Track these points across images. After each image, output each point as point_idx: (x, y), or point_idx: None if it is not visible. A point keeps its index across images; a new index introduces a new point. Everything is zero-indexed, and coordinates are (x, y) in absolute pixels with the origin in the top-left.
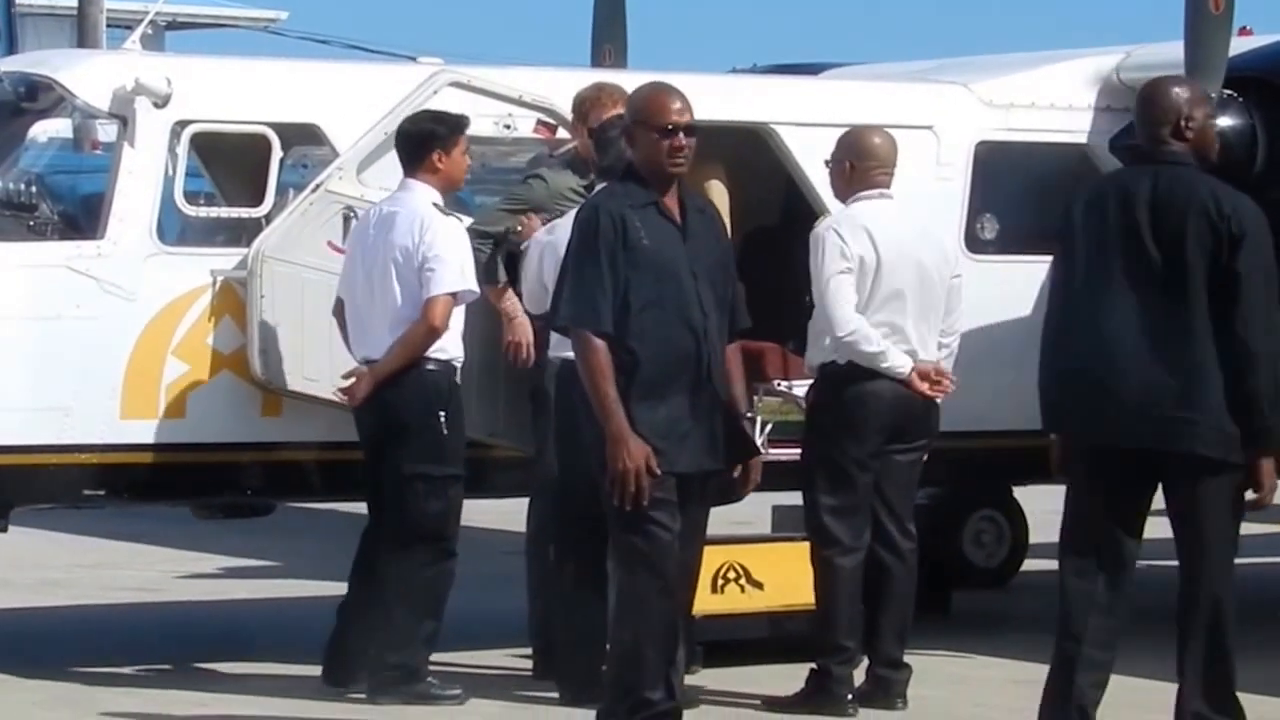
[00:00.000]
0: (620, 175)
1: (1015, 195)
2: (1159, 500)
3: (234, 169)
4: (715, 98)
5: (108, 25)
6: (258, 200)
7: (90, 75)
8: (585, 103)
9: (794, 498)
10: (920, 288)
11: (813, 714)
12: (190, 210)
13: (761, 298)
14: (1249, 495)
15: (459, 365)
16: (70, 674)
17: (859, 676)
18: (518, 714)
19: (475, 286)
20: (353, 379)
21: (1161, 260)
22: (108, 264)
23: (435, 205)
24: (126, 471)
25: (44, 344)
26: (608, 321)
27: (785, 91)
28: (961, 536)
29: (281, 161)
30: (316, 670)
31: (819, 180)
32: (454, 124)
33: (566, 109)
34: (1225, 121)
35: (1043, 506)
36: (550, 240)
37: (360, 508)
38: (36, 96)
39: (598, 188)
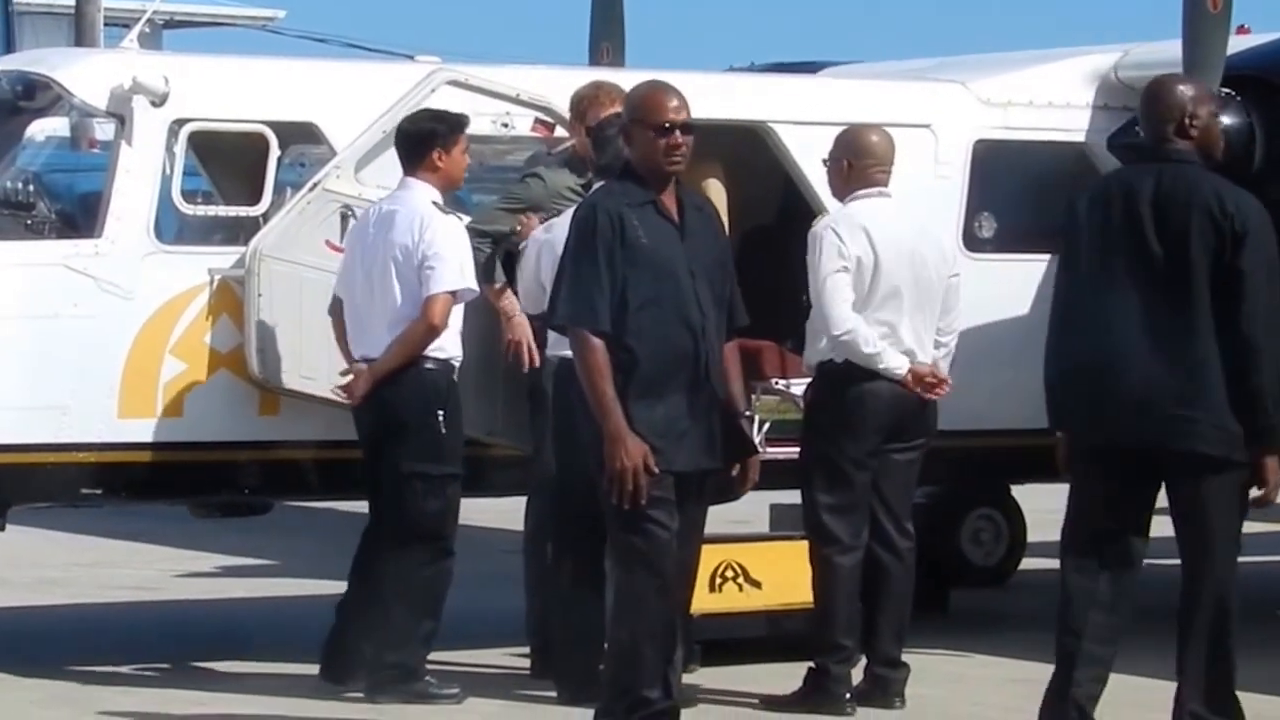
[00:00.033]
0: (618, 174)
1: (1013, 194)
2: (1161, 498)
3: (232, 168)
4: (713, 96)
5: (105, 24)
6: (255, 199)
7: (88, 74)
8: (583, 101)
9: (792, 496)
10: (918, 286)
11: (811, 713)
12: (188, 209)
13: (759, 296)
14: (1253, 492)
15: (457, 364)
16: (68, 673)
17: (857, 675)
18: (516, 713)
19: (475, 285)
20: (350, 376)
21: (1164, 258)
22: (105, 263)
23: (435, 204)
24: (124, 470)
25: (42, 343)
26: (605, 320)
27: (783, 90)
28: (959, 535)
29: (279, 160)
30: (314, 669)
31: (817, 179)
32: (454, 123)
33: (564, 107)
34: (1223, 120)
35: (1041, 505)
36: (548, 239)
37: (358, 507)
38: (34, 95)
39: (595, 186)
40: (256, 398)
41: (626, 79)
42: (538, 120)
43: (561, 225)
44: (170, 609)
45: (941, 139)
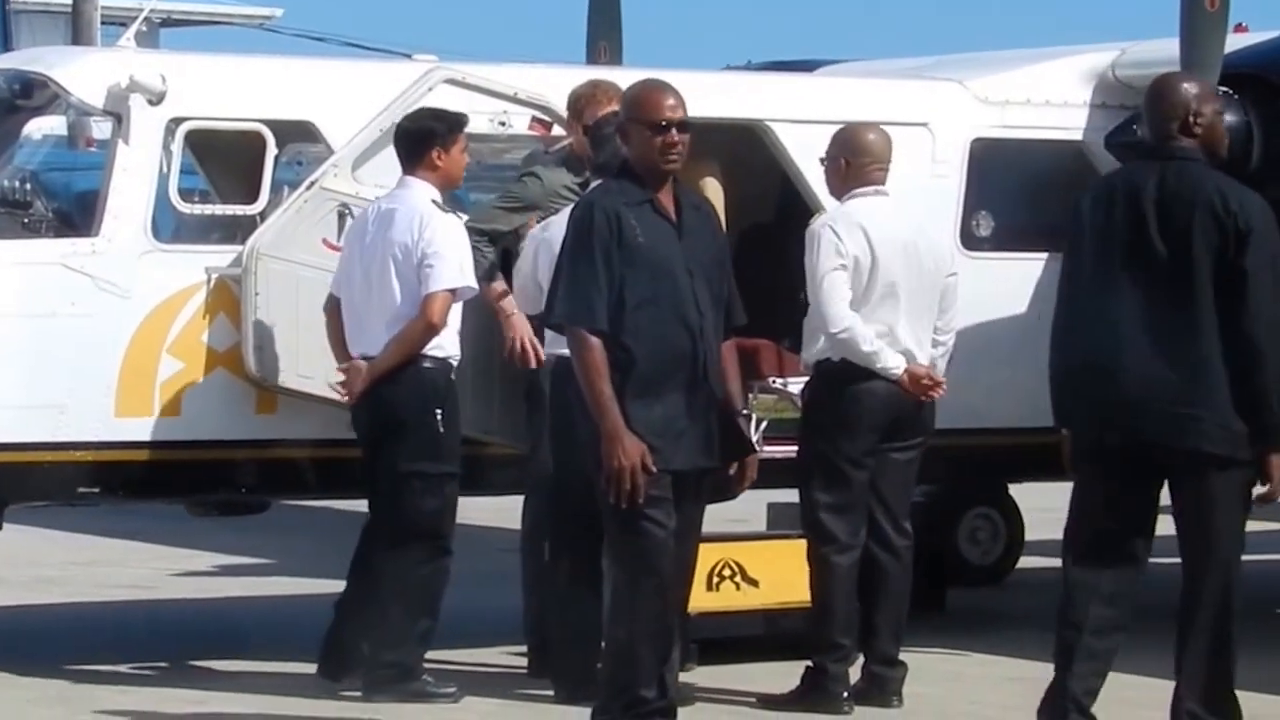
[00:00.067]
0: (615, 172)
1: (1010, 192)
2: (1161, 497)
3: (229, 166)
4: (710, 95)
5: (102, 22)
6: (252, 197)
7: (85, 72)
8: (580, 100)
9: (789, 495)
10: (916, 285)
11: (808, 711)
12: (185, 207)
13: (757, 295)
14: (1258, 490)
15: (455, 363)
16: (64, 671)
17: (854, 674)
18: (513, 711)
19: (474, 284)
20: (348, 373)
21: (1168, 256)
22: (102, 261)
23: (434, 202)
24: (121, 469)
25: (39, 341)
26: (603, 319)
27: (780, 88)
28: (957, 534)
29: (276, 159)
30: (311, 668)
31: (814, 177)
32: (453, 122)
33: (561, 106)
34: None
35: (1038, 504)
36: (545, 237)
37: (355, 505)
38: (31, 94)
39: (592, 185)
40: (254, 396)
41: (624, 78)
42: (535, 119)
43: (558, 224)
44: (167, 608)
45: (939, 138)
